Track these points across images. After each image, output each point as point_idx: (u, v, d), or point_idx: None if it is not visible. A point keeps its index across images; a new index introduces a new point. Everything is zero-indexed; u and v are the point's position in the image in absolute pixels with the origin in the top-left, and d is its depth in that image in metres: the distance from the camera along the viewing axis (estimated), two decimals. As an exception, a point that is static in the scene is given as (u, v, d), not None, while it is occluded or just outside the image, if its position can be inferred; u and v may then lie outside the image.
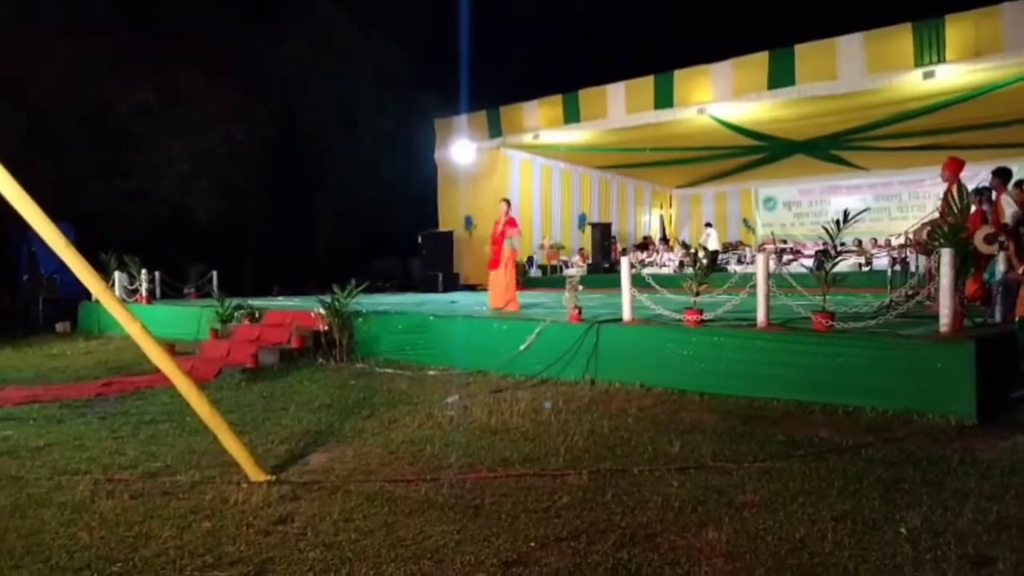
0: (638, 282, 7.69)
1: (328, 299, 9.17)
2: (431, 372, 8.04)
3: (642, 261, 18.32)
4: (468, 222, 19.02)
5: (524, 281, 16.66)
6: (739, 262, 17.80)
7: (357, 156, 25.60)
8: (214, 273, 14.56)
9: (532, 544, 3.38)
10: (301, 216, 26.43)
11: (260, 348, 8.95)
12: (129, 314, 4.46)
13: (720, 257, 17.55)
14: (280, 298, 15.58)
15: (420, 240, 18.54)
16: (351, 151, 25.49)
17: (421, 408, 6.39)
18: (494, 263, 10.06)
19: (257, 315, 10.46)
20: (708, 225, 20.82)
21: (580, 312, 7.70)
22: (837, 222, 6.47)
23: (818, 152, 18.97)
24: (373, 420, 6.04)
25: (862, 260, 16.39)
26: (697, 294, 6.99)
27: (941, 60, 11.93)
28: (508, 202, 10.36)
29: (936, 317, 5.98)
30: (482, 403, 6.41)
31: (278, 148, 23.97)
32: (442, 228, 19.27)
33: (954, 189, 7.91)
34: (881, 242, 17.55)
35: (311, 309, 9.57)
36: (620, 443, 5.06)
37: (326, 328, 9.10)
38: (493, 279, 10.12)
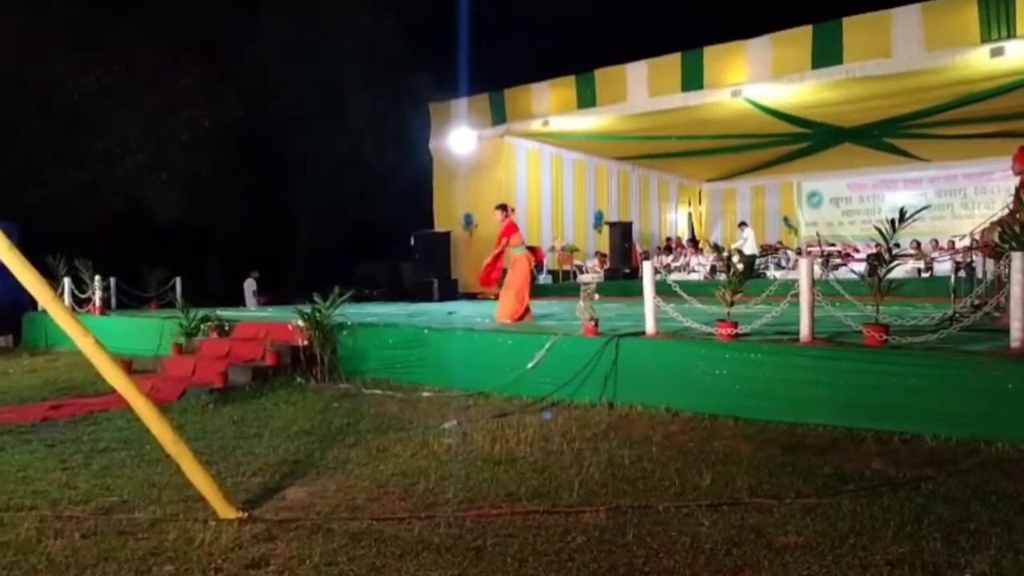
0: (663, 290, 7.70)
1: (308, 310, 9.21)
2: (426, 393, 8.06)
3: (667, 266, 18.35)
4: (468, 221, 19.05)
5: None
6: (779, 267, 17.79)
7: (341, 145, 25.67)
8: (178, 279, 14.62)
9: (542, 592, 3.39)
10: (276, 213, 26.50)
11: (230, 365, 8.99)
12: (81, 327, 4.50)
13: (757, 261, 17.55)
14: (253, 308, 15.64)
15: (413, 241, 18.60)
16: (334, 139, 25.57)
17: (414, 435, 6.40)
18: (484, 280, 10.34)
19: (227, 328, 10.51)
20: (743, 224, 20.83)
21: (596, 324, 7.71)
22: (892, 221, 6.46)
23: (870, 140, 18.99)
24: (359, 448, 6.06)
25: (921, 265, 16.38)
26: (731, 304, 7.00)
27: (1011, 35, 11.95)
28: (504, 207, 10.33)
29: (1006, 331, 5.97)
30: (484, 429, 6.42)
31: (250, 135, 24.04)
32: (438, 228, 19.32)
33: (1027, 183, 7.93)
34: (943, 244, 17.54)
35: (288, 321, 9.61)
36: (643, 476, 5.07)
37: (305, 343, 9.15)
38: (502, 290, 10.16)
